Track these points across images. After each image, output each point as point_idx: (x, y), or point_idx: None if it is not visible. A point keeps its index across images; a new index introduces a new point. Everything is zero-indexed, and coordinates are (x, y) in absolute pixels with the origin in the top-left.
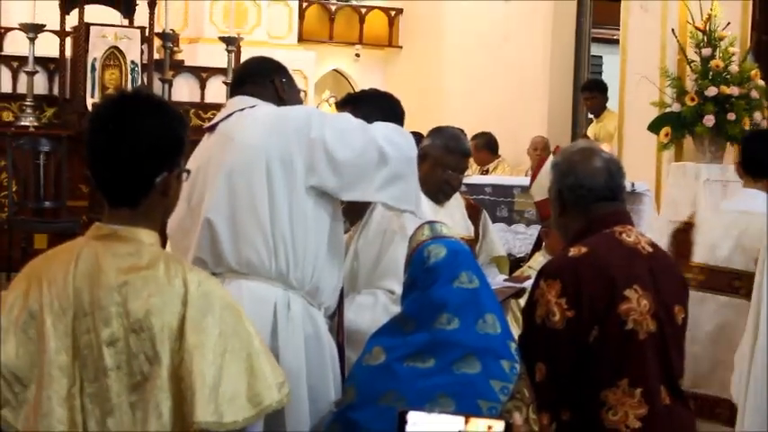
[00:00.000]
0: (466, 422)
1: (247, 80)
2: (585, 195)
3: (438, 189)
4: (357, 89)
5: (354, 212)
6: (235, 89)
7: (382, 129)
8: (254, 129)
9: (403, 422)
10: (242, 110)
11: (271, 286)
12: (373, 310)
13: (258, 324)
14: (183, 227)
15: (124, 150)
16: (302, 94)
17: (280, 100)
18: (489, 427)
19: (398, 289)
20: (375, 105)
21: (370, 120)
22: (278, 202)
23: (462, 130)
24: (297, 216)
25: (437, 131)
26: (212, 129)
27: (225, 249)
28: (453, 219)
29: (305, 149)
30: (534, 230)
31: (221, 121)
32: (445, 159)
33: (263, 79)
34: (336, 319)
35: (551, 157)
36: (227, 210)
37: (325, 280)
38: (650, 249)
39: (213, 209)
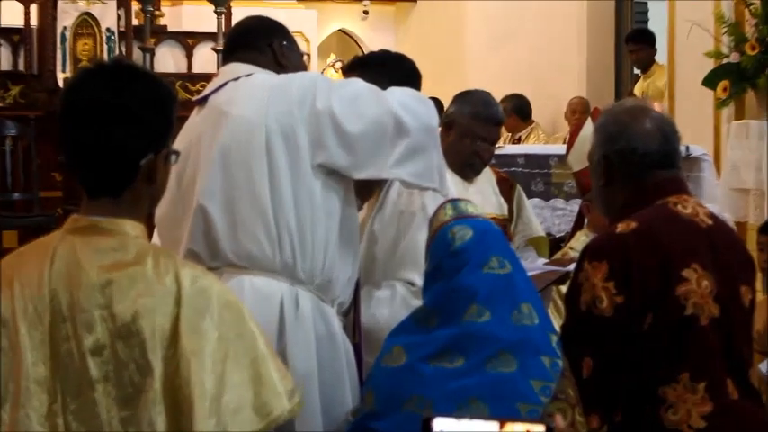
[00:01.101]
0: (501, 427)
1: (242, 44)
2: (638, 162)
3: (466, 162)
4: (366, 51)
5: (365, 188)
6: (227, 55)
7: (398, 95)
8: (251, 100)
9: (428, 429)
10: (236, 79)
11: (276, 281)
12: (391, 304)
13: (263, 324)
14: (173, 215)
15: (105, 130)
16: (305, 59)
17: (279, 66)
18: None
19: (419, 280)
20: (387, 69)
21: (381, 86)
22: (281, 185)
23: (490, 95)
24: (303, 200)
25: (464, 96)
26: (203, 102)
27: (221, 240)
28: (484, 196)
29: (310, 122)
30: (575, 205)
31: (213, 92)
32: (474, 128)
33: (260, 43)
34: (352, 315)
35: (590, 121)
36: (223, 195)
37: (338, 272)
38: (710, 222)
39: (207, 194)
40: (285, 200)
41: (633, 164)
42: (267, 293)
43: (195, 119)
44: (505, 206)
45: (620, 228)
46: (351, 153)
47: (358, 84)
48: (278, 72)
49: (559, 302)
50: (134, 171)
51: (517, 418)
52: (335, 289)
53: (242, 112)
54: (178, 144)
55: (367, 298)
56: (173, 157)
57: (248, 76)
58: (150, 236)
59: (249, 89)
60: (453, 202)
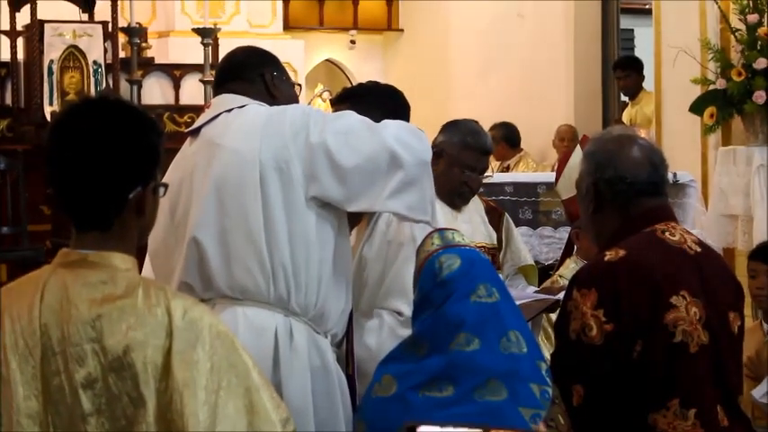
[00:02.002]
0: None
1: (233, 75)
2: (625, 190)
3: (455, 191)
4: (354, 80)
5: (352, 215)
6: (219, 86)
7: (392, 128)
8: (245, 133)
9: None
10: (229, 110)
11: (270, 312)
12: (378, 334)
13: (258, 356)
14: (166, 247)
15: (91, 164)
16: (297, 89)
17: (271, 97)
18: None
19: (407, 310)
20: (376, 101)
21: (372, 118)
22: (275, 218)
23: (478, 124)
24: (297, 233)
25: (453, 126)
26: (195, 133)
27: (215, 272)
28: (472, 225)
29: (304, 155)
30: (563, 233)
31: (206, 123)
32: (463, 157)
33: (251, 73)
34: (345, 347)
35: (578, 149)
36: (217, 227)
37: (332, 304)
38: (698, 249)
39: (200, 226)
40: (279, 233)
41: (621, 192)
42: (261, 325)
43: (188, 150)
44: (494, 235)
45: (609, 256)
46: (344, 186)
47: (352, 117)
48: (270, 102)
49: (549, 330)
50: (122, 204)
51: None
52: (329, 321)
53: (235, 145)
54: (170, 175)
55: (356, 327)
56: (161, 190)
57: (242, 107)
58: (140, 268)
59: (242, 122)
60: (440, 231)
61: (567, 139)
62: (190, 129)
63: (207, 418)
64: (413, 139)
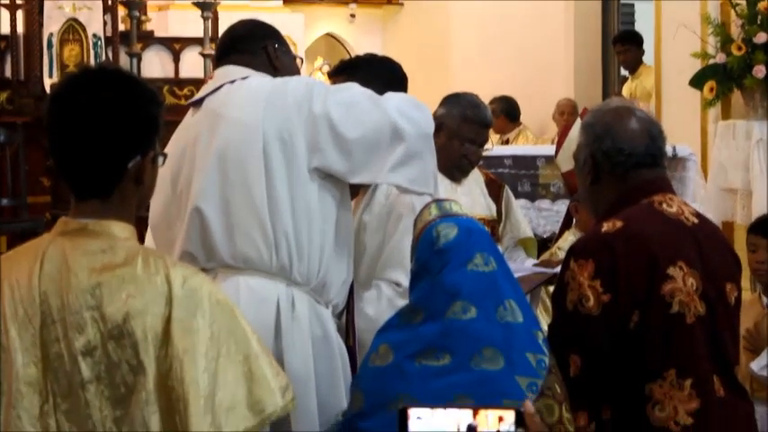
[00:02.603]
0: (474, 414)
1: (235, 47)
2: (623, 162)
3: (455, 164)
4: (353, 54)
5: (352, 187)
6: (221, 58)
7: (395, 101)
8: (248, 104)
9: (404, 419)
10: (232, 82)
11: (272, 282)
12: (377, 304)
13: (259, 325)
14: (168, 216)
15: (91, 133)
16: (299, 61)
17: (273, 69)
18: (500, 419)
19: (405, 281)
20: (373, 72)
21: (370, 89)
22: (277, 189)
23: (478, 97)
24: (299, 203)
25: (453, 99)
26: (198, 103)
27: (217, 242)
28: (472, 197)
29: (307, 127)
30: (561, 206)
31: (209, 95)
32: (463, 130)
33: (254, 46)
34: (345, 317)
35: (579, 121)
36: (220, 197)
37: (333, 275)
38: (695, 220)
39: (203, 196)
40: (281, 203)
41: (619, 163)
42: (263, 295)
43: (190, 120)
44: (494, 207)
45: (606, 227)
46: (347, 158)
47: (355, 89)
48: (272, 75)
49: (548, 302)
50: (121, 173)
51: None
52: (331, 291)
53: (239, 116)
54: (172, 145)
55: (356, 298)
56: (160, 159)
57: (244, 79)
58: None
59: (246, 93)
60: (438, 201)
61: (566, 113)
62: (192, 100)
63: (207, 386)
64: (416, 111)
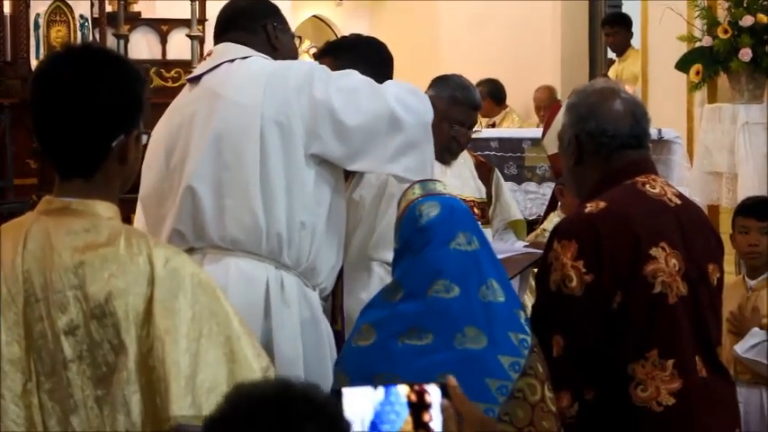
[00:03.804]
0: (410, 391)
1: (234, 25)
2: (607, 143)
3: (444, 147)
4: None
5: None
6: (220, 34)
7: (395, 90)
8: (248, 86)
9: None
10: (231, 61)
11: (262, 264)
12: (368, 285)
13: (249, 306)
14: (160, 192)
15: (75, 111)
16: (297, 41)
17: (272, 48)
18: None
19: None
20: (359, 53)
21: (356, 70)
22: (272, 172)
23: (467, 79)
24: (294, 188)
25: (442, 81)
26: (195, 80)
27: (208, 222)
28: (462, 179)
29: (307, 112)
30: (547, 189)
31: (207, 72)
32: (452, 112)
33: (254, 24)
34: (332, 302)
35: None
36: (213, 178)
37: (323, 259)
38: (678, 202)
39: (197, 176)
40: (276, 187)
41: (603, 144)
42: (253, 276)
43: (187, 97)
44: (484, 189)
45: (590, 207)
46: (345, 145)
47: (356, 76)
48: (271, 54)
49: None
50: (105, 152)
51: (487, 394)
52: (320, 275)
53: (238, 98)
54: (167, 120)
55: (346, 279)
56: (144, 137)
57: (244, 58)
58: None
59: (246, 74)
60: (422, 182)
61: (542, 107)
62: (190, 76)
63: (188, 366)
64: (415, 100)
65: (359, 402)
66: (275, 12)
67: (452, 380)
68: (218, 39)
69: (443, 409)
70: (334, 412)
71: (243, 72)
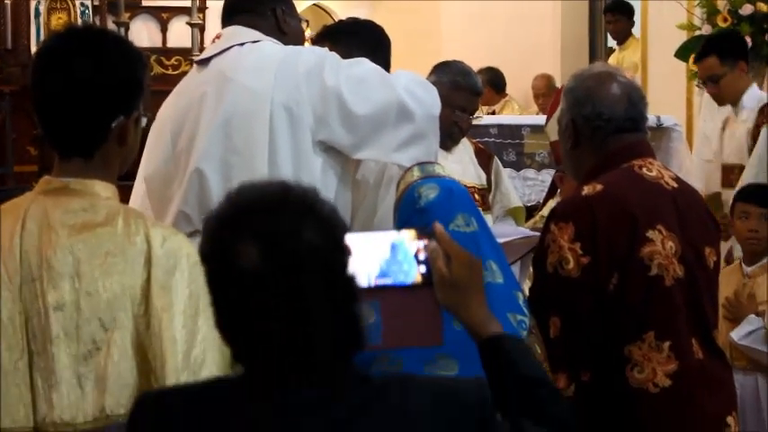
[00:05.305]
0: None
1: (243, 8)
2: (603, 126)
3: (445, 132)
4: None
5: None
6: (229, 17)
7: (404, 80)
8: (259, 71)
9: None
10: (242, 44)
11: None
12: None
13: None
14: (166, 172)
15: (75, 91)
16: (304, 24)
17: (281, 33)
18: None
19: None
20: (357, 38)
21: (353, 55)
22: (280, 157)
23: (468, 66)
24: (303, 174)
25: (443, 66)
26: (204, 63)
27: (215, 205)
28: (463, 165)
29: (316, 99)
30: (546, 176)
31: (216, 55)
32: (453, 98)
33: (263, 7)
34: None
35: None
36: (221, 161)
37: None
38: (675, 185)
39: (205, 158)
40: (284, 173)
41: (599, 128)
42: None
43: (196, 78)
44: (484, 176)
45: (586, 190)
46: (353, 133)
47: (367, 65)
48: (280, 38)
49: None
50: (105, 133)
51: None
52: None
53: (248, 82)
54: (174, 101)
55: None
56: (143, 120)
57: (255, 43)
58: (127, 196)
59: (256, 59)
60: (421, 164)
61: (540, 95)
62: (199, 58)
63: (184, 343)
64: (423, 91)
65: (364, 254)
66: None
67: (439, 226)
68: (227, 22)
69: (431, 250)
70: (331, 213)
71: (254, 56)
